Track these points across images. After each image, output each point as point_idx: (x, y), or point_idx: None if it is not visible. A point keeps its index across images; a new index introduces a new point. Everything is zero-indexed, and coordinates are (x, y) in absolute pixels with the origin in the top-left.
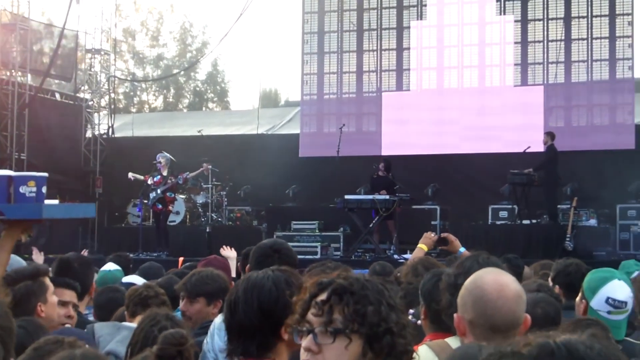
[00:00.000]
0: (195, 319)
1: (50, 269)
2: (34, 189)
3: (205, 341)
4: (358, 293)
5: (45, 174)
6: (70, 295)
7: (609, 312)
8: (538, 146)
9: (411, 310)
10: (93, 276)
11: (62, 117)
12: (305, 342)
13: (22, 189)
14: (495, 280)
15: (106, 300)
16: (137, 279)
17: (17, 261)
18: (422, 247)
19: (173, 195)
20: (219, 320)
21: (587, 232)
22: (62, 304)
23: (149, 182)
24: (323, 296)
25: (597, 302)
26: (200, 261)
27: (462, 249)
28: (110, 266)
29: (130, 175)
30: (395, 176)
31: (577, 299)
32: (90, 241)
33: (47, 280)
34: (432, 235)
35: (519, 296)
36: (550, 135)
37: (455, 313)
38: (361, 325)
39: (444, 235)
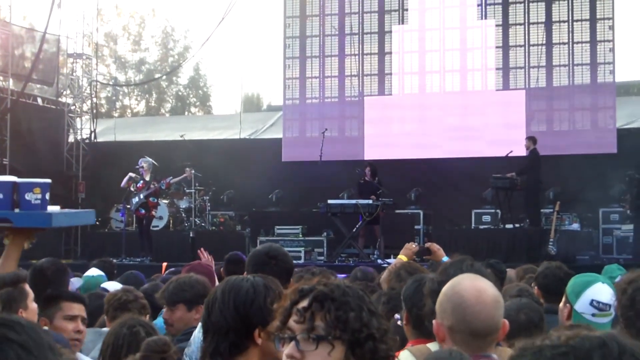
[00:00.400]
0: (177, 326)
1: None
2: (39, 196)
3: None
4: (339, 299)
5: (49, 180)
6: (79, 309)
7: (593, 315)
8: (520, 150)
9: (397, 316)
10: (68, 283)
11: (44, 121)
12: (288, 349)
13: (27, 196)
14: (473, 286)
15: (93, 307)
16: (116, 286)
17: None
18: (402, 258)
19: (156, 200)
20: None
21: (570, 236)
22: (71, 318)
23: (132, 188)
24: (304, 303)
25: (582, 304)
26: (184, 267)
27: (445, 258)
28: (94, 272)
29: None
30: (380, 181)
31: (561, 304)
32: (73, 246)
33: (27, 287)
34: (413, 246)
35: (496, 301)
36: (532, 139)
37: (435, 321)
38: (343, 331)
39: (427, 245)
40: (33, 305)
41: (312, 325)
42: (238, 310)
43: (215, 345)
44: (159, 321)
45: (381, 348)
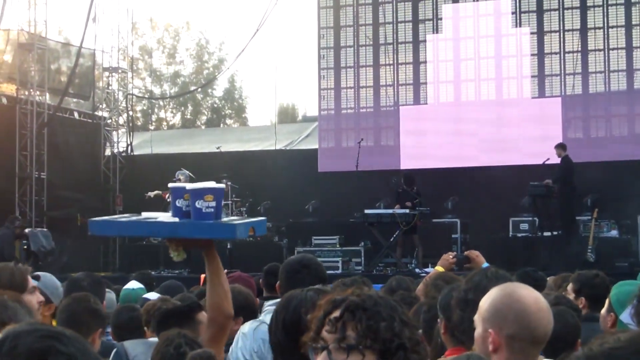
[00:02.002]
0: None
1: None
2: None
3: (230, 349)
4: (371, 309)
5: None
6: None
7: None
8: (557, 158)
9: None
10: (104, 295)
11: (80, 135)
12: (320, 358)
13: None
14: (530, 294)
15: (126, 319)
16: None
17: (52, 283)
18: (438, 269)
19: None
20: (246, 327)
21: (608, 243)
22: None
23: (168, 198)
24: (336, 313)
25: (628, 315)
26: None
27: (486, 264)
28: (133, 284)
29: (149, 194)
30: (418, 190)
31: (603, 311)
32: (111, 259)
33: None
34: (450, 257)
35: (550, 308)
36: (562, 146)
37: (491, 330)
38: (374, 340)
39: (466, 253)
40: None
41: (343, 335)
42: (286, 328)
43: None
44: None
45: (413, 358)
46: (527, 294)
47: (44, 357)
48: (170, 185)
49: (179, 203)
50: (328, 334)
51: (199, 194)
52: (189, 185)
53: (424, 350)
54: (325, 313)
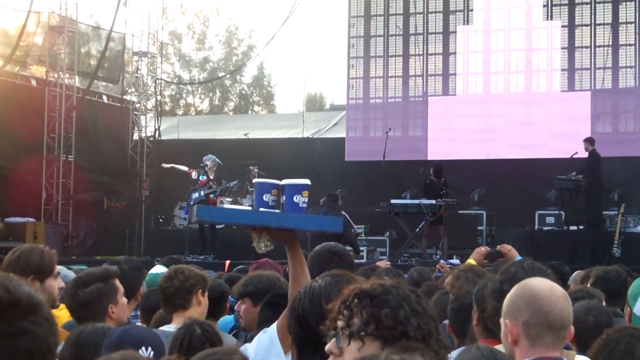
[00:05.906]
0: (244, 319)
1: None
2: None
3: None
4: (379, 297)
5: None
6: None
7: None
8: (585, 152)
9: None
10: (142, 280)
11: (109, 119)
12: (328, 344)
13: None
14: (543, 282)
15: (155, 303)
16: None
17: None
18: (470, 262)
19: (215, 197)
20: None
21: (635, 239)
22: None
23: (194, 176)
24: (348, 301)
25: (639, 307)
26: (251, 264)
27: (519, 258)
28: (159, 269)
29: (165, 165)
30: (445, 181)
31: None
32: (137, 243)
33: (117, 282)
34: (483, 250)
35: (567, 296)
36: (590, 140)
37: (508, 321)
38: (376, 328)
39: (498, 247)
40: (123, 301)
41: (349, 322)
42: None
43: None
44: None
45: (415, 347)
46: (540, 282)
47: None
48: (255, 180)
49: (266, 198)
50: (339, 322)
51: (298, 189)
52: (285, 181)
53: (439, 343)
54: (341, 302)
